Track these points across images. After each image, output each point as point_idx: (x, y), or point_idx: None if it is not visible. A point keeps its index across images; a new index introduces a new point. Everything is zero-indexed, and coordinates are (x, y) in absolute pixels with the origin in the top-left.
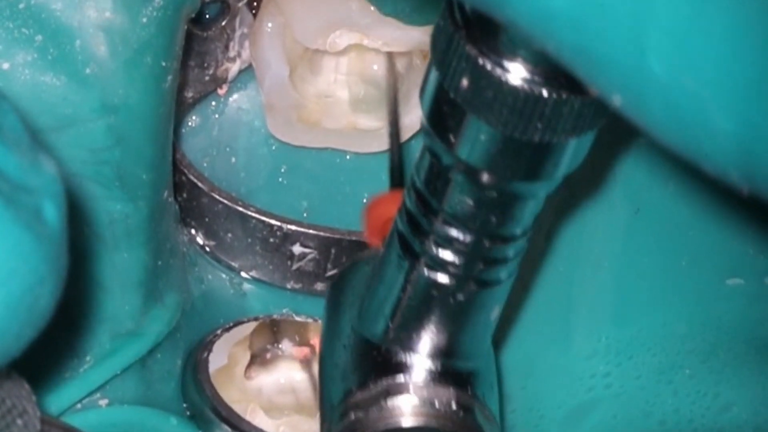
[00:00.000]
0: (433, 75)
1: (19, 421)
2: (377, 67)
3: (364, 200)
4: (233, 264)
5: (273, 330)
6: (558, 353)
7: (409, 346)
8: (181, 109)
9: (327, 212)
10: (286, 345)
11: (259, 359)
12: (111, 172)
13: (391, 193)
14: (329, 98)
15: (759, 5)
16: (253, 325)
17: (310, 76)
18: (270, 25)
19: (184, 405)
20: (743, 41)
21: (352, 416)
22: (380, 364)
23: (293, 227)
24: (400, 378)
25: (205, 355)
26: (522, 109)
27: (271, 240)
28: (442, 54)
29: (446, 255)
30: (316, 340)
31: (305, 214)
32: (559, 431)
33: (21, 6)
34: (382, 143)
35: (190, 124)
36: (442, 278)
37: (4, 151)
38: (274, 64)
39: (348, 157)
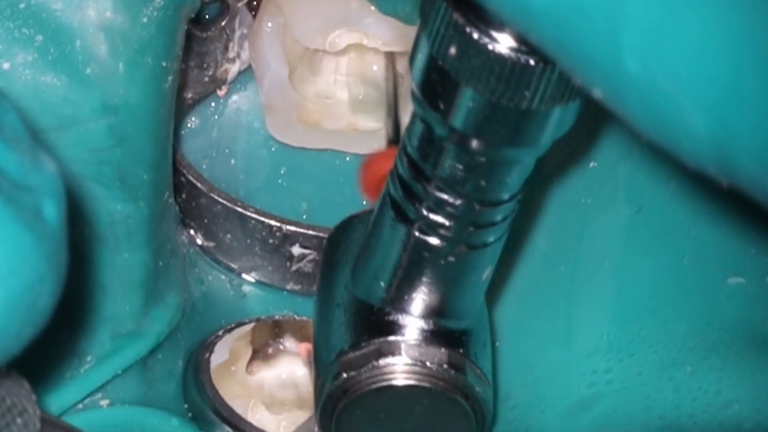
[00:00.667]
0: (423, 43)
1: (19, 420)
2: (377, 67)
3: (363, 201)
4: (232, 265)
5: (275, 328)
6: (559, 350)
7: (401, 306)
8: (180, 110)
9: (326, 213)
10: (287, 340)
11: (260, 354)
12: (112, 172)
13: (387, 150)
14: (329, 99)
15: (730, 7)
16: (254, 325)
17: (310, 76)
18: (270, 25)
19: (186, 406)
20: (715, 42)
21: (344, 375)
22: (373, 324)
23: (292, 228)
24: (392, 338)
25: (207, 355)
26: (509, 77)
27: (271, 241)
28: (430, 22)
29: (438, 218)
30: None
31: (305, 216)
32: (560, 425)
33: (21, 6)
34: (382, 144)
35: (189, 125)
36: (434, 241)
37: (4, 149)
38: (274, 65)
39: (347, 158)
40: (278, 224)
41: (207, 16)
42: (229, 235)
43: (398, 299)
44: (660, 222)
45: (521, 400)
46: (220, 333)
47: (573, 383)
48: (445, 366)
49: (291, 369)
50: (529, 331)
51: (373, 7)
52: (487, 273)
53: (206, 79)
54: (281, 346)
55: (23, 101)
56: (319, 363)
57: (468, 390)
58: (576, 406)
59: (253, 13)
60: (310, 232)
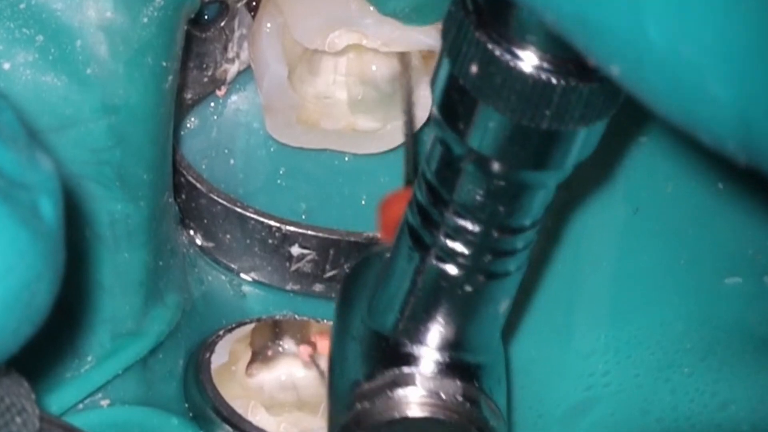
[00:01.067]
0: (444, 63)
1: (18, 419)
2: (376, 68)
3: (363, 202)
4: (232, 265)
5: (274, 329)
6: (557, 352)
7: (417, 338)
8: (179, 110)
9: (326, 214)
10: (287, 342)
11: (260, 357)
12: (112, 172)
13: (405, 190)
14: (328, 99)
15: None
16: (255, 325)
17: (309, 77)
18: (269, 25)
19: (186, 405)
20: (742, 7)
21: (359, 407)
22: (388, 355)
23: (292, 228)
24: (407, 369)
25: (207, 355)
26: (530, 95)
27: (270, 241)
28: (452, 40)
29: (455, 246)
30: (317, 338)
31: (304, 216)
32: (558, 429)
33: (22, 6)
34: (381, 144)
35: (188, 125)
36: (451, 269)
37: (1, 148)
38: (273, 65)
39: (347, 158)
40: (277, 224)
41: (206, 17)
42: (228, 236)
43: (414, 330)
44: (657, 222)
45: (519, 402)
46: (221, 333)
47: (571, 386)
48: (459, 399)
49: (290, 371)
50: (528, 332)
51: (372, 8)
52: (505, 305)
53: (205, 79)
54: (280, 348)
55: (24, 101)
56: (333, 394)
57: (482, 423)
58: (574, 410)
59: (253, 13)
60: (309, 232)
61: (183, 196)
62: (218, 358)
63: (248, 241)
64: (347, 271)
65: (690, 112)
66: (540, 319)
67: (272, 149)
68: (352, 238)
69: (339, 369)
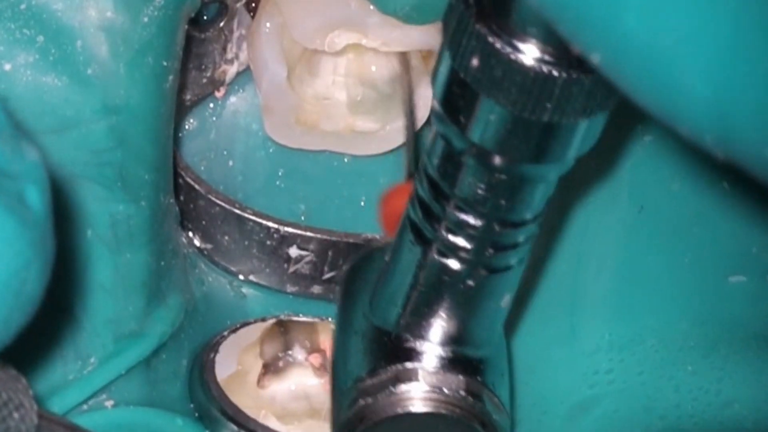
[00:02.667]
0: (445, 57)
1: (16, 414)
2: (375, 68)
3: (362, 203)
4: (230, 267)
5: (282, 334)
6: (562, 349)
7: (419, 333)
8: (178, 112)
9: (324, 215)
10: (297, 351)
11: (271, 368)
12: (113, 173)
13: (406, 184)
14: (327, 100)
15: None
16: (260, 326)
17: (308, 77)
18: (268, 25)
19: (192, 405)
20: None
21: (362, 402)
22: (390, 350)
23: (290, 229)
24: (410, 364)
25: (212, 356)
26: (531, 88)
27: (268, 243)
28: (452, 33)
29: (457, 240)
30: (327, 345)
31: (303, 217)
32: (562, 427)
33: (22, 7)
34: (380, 145)
35: (187, 127)
36: (453, 264)
37: None
38: (272, 66)
39: (346, 159)
40: (276, 226)
41: (205, 17)
42: (226, 237)
43: (416, 325)
44: (662, 221)
45: (524, 400)
46: (226, 333)
47: (575, 383)
48: (462, 393)
49: (302, 380)
50: (532, 330)
51: (372, 7)
52: (506, 299)
53: (204, 80)
54: (291, 358)
55: (24, 102)
56: (336, 390)
57: (485, 418)
58: (578, 407)
59: (252, 13)
60: (308, 233)
61: (181, 198)
62: (225, 363)
63: (246, 242)
64: (348, 266)
65: (668, 104)
66: (544, 316)
67: (271, 150)
68: (351, 240)
69: (341, 364)
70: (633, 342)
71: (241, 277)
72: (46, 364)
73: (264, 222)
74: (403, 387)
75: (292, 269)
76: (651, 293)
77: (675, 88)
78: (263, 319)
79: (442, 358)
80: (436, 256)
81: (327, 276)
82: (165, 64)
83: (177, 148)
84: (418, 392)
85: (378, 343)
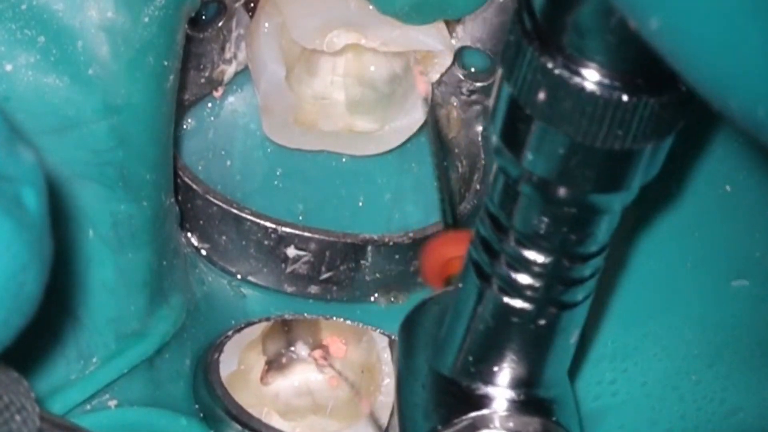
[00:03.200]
0: (505, 92)
1: (18, 417)
2: (374, 68)
3: (360, 203)
4: (228, 267)
5: (285, 332)
6: None
7: (489, 378)
8: (176, 111)
9: (323, 215)
10: (300, 348)
11: (274, 364)
12: (114, 172)
13: (446, 234)
14: (326, 100)
15: None
16: (263, 326)
17: (307, 77)
18: (267, 25)
19: (196, 406)
20: None
21: None
22: (461, 399)
23: (288, 229)
24: (485, 411)
25: (216, 356)
26: (602, 116)
27: (266, 243)
28: (514, 69)
29: (524, 279)
30: (329, 340)
31: (301, 217)
32: None
33: (23, 7)
34: (379, 146)
35: (185, 126)
36: (521, 304)
37: None
38: (271, 65)
39: (344, 159)
40: (273, 225)
41: (204, 17)
42: (224, 237)
43: (486, 371)
44: (664, 226)
45: None
46: (230, 333)
47: (579, 395)
48: None
49: (305, 376)
50: None
51: (371, 7)
52: (575, 336)
53: (202, 80)
54: (294, 355)
55: (26, 103)
56: None
57: None
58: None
59: (250, 13)
60: (306, 233)
61: (180, 198)
62: (228, 364)
63: (244, 242)
64: (402, 320)
65: (723, 73)
66: None
67: (269, 150)
68: (349, 240)
69: (411, 418)
70: (636, 350)
71: (239, 276)
72: (48, 364)
73: (262, 222)
74: None
75: (289, 269)
76: (654, 299)
77: (734, 53)
78: (267, 319)
79: (514, 402)
80: (502, 297)
81: (324, 276)
82: (166, 63)
83: (175, 147)
84: None
85: (447, 393)
